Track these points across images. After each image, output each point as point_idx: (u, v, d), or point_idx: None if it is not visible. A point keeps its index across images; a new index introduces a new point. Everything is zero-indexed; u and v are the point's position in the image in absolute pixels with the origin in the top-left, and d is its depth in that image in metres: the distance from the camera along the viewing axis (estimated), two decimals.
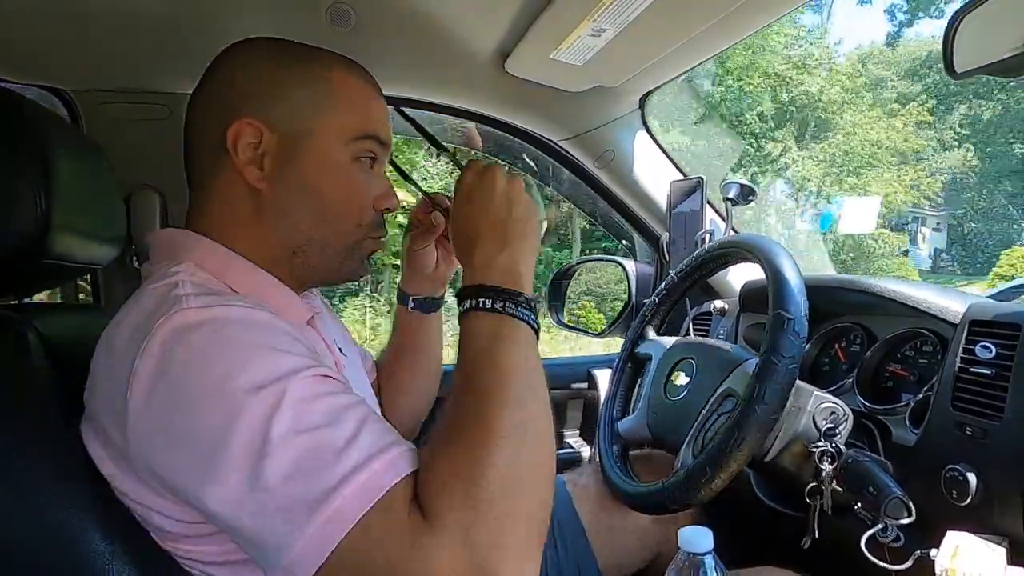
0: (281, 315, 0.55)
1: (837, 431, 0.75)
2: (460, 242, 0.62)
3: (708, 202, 1.26)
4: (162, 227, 1.10)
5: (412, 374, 0.90)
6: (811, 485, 0.75)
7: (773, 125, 14.53)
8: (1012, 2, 0.59)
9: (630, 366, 1.06)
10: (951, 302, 0.82)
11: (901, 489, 0.70)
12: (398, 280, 0.89)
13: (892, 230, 14.96)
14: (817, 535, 0.76)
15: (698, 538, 0.58)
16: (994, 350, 0.72)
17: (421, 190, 0.81)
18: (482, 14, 0.90)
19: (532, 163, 1.41)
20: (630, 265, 1.49)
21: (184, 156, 0.65)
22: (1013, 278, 11.25)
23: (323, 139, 0.62)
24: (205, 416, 0.46)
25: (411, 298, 0.86)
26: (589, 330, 1.61)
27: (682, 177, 1.31)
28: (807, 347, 1.00)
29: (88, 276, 1.14)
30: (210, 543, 0.54)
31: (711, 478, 0.71)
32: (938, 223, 17.64)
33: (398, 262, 0.91)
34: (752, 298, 1.18)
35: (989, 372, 0.71)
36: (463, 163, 0.65)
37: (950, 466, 0.70)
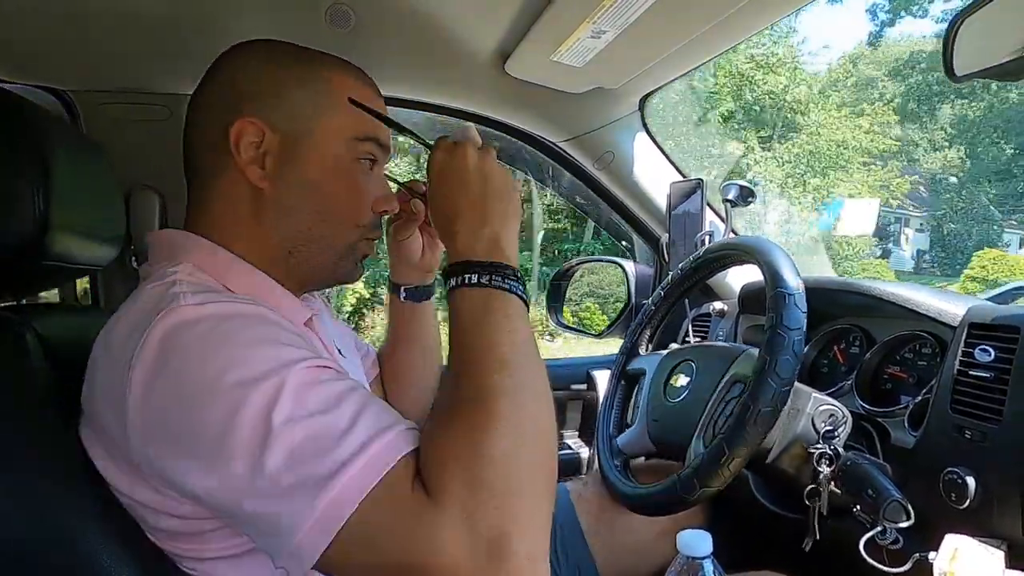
0: (279, 314, 0.55)
1: (836, 433, 0.75)
2: (440, 223, 0.61)
3: (708, 204, 1.26)
4: (161, 227, 1.11)
5: (412, 364, 0.90)
6: (810, 487, 0.75)
7: (736, 126, 14.35)
8: (1012, 5, 0.59)
9: (623, 383, 1.06)
10: (950, 304, 0.82)
11: (900, 492, 0.70)
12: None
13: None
14: (817, 537, 0.76)
15: (697, 542, 0.58)
16: (993, 353, 0.72)
17: (396, 181, 0.81)
18: (482, 15, 0.91)
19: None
20: (629, 266, 1.49)
21: (184, 157, 0.65)
22: (985, 280, 11.21)
23: (324, 139, 0.62)
24: (205, 410, 0.46)
25: (402, 288, 0.86)
26: (588, 331, 1.61)
27: (682, 178, 1.31)
28: (806, 348, 1.00)
29: (87, 277, 1.14)
30: (209, 540, 0.54)
31: (729, 458, 0.70)
32: (921, 224, 17.46)
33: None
34: (751, 299, 1.18)
35: (988, 375, 0.71)
36: (431, 143, 0.64)
37: (949, 469, 0.70)
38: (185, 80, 1.00)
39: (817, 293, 0.86)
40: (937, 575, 0.65)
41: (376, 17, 0.91)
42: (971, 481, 0.68)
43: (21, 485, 0.54)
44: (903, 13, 18.97)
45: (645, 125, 1.28)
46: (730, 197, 1.19)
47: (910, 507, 0.69)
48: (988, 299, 0.94)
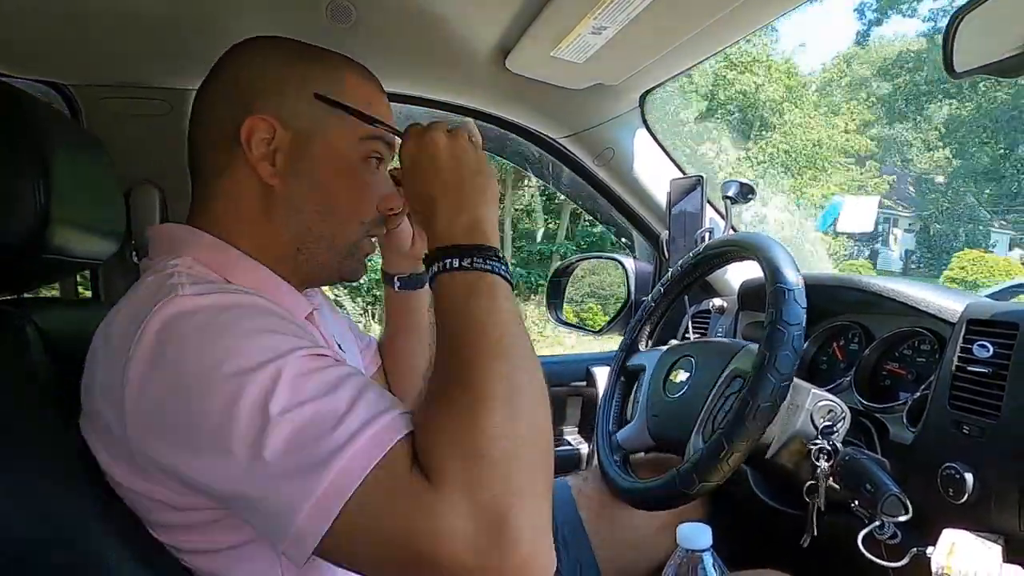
0: (279, 307, 0.55)
1: (835, 429, 0.75)
2: (418, 210, 0.61)
3: (708, 200, 1.26)
4: (162, 222, 1.10)
5: (411, 352, 0.90)
6: (809, 483, 0.76)
7: (710, 125, 14.23)
8: (1012, 2, 0.59)
9: (622, 379, 1.06)
10: (949, 301, 0.82)
11: (898, 487, 0.70)
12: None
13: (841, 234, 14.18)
14: (816, 532, 0.76)
15: (697, 535, 0.59)
16: (991, 349, 0.72)
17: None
18: (483, 11, 0.90)
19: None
20: (629, 263, 1.49)
21: (188, 153, 0.65)
22: (964, 280, 11.20)
23: (335, 137, 0.62)
24: (203, 400, 0.46)
25: (396, 278, 0.86)
26: (588, 328, 1.61)
27: (682, 175, 1.31)
28: (805, 344, 1.00)
29: (88, 271, 1.14)
30: (210, 533, 0.54)
31: (729, 453, 0.70)
32: (910, 224, 17.38)
33: None
34: (751, 296, 1.18)
35: (986, 371, 0.72)
36: (401, 131, 0.64)
37: (947, 464, 0.70)
38: (186, 76, 1.00)
39: (817, 289, 0.86)
40: (935, 569, 0.65)
41: (377, 13, 0.91)
42: (969, 476, 0.69)
43: (21, 482, 0.54)
44: (890, 12, 18.94)
45: (645, 122, 1.28)
46: (730, 194, 1.19)
47: (908, 502, 0.69)
48: (987, 296, 0.95)
